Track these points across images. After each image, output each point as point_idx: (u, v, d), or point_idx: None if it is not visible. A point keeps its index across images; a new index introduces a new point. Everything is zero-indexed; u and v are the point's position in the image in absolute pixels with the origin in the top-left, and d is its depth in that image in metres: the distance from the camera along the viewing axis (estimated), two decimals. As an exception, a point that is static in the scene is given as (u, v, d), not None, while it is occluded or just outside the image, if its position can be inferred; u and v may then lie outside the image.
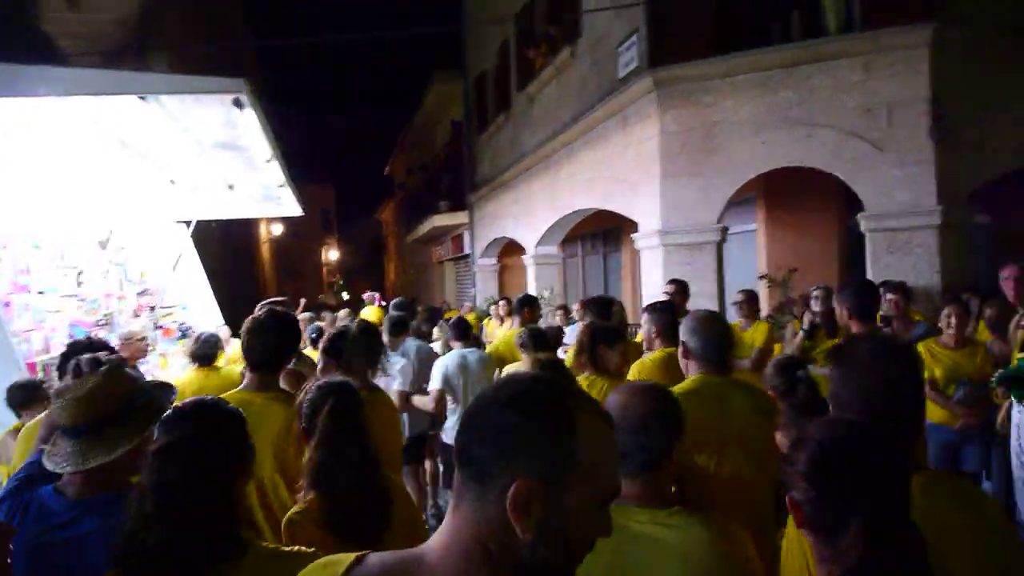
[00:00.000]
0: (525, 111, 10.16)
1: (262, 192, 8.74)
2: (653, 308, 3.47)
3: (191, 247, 10.83)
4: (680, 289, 5.21)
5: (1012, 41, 5.28)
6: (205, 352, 4.39)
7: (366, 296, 10.36)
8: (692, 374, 2.33)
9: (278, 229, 33.64)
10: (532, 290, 10.09)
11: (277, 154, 5.96)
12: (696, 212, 6.06)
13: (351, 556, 0.88)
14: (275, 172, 6.87)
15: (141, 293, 8.18)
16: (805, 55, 5.68)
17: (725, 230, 6.08)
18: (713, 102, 6.00)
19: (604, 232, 11.63)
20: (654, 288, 6.29)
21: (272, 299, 4.05)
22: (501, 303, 8.23)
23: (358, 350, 2.76)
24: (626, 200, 6.88)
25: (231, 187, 7.72)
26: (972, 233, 5.89)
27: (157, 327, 8.12)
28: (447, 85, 14.74)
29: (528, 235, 10.28)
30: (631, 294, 10.36)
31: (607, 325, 3.53)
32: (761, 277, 6.67)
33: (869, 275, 5.60)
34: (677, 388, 2.20)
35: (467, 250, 14.52)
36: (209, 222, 16.94)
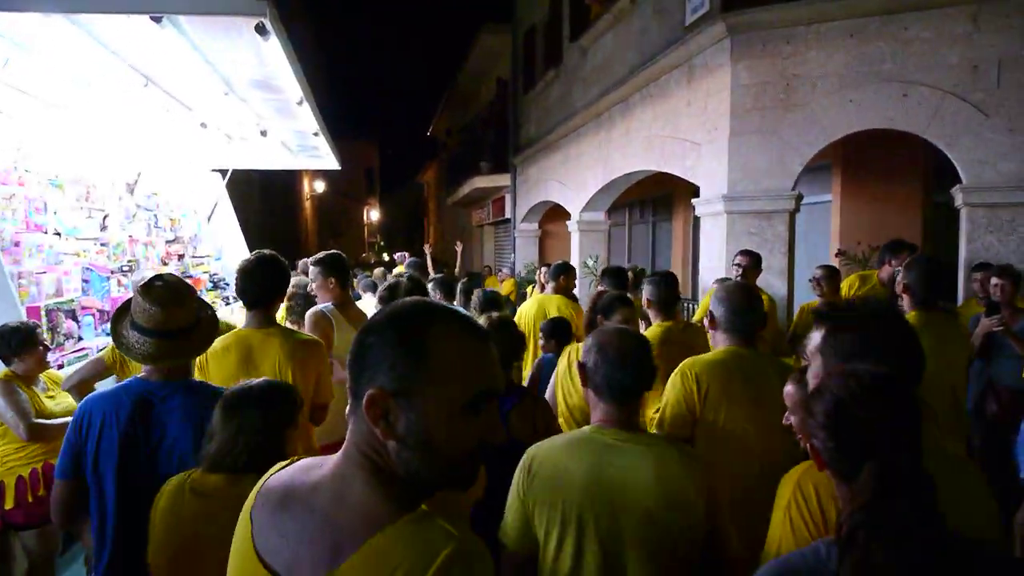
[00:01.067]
0: (578, 65, 9.48)
1: (297, 141, 8.32)
2: (652, 280, 3.36)
3: (226, 197, 10.60)
4: (753, 262, 4.65)
5: None
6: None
7: (397, 256, 10.08)
8: (719, 346, 2.35)
9: (321, 186, 33.60)
10: (576, 258, 9.56)
11: (308, 95, 5.51)
12: (768, 177, 5.41)
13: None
14: (308, 117, 6.45)
15: (171, 241, 7.94)
16: (904, 1, 4.93)
17: (800, 198, 5.43)
18: (794, 52, 5.30)
19: (653, 200, 10.97)
20: (715, 259, 5.70)
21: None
22: (543, 269, 7.73)
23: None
24: (688, 162, 6.24)
25: (264, 133, 7.34)
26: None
27: (186, 276, 7.88)
28: (494, 39, 14.05)
29: (574, 199, 9.69)
30: (682, 265, 9.75)
31: (615, 294, 3.37)
32: (839, 253, 5.99)
33: (962, 255, 4.92)
34: (707, 357, 2.30)
35: (508, 214, 14.00)
36: (249, 174, 16.76)
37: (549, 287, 5.08)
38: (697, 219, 9.78)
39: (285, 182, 23.07)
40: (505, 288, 11.08)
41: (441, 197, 26.20)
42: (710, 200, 5.76)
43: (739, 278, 4.61)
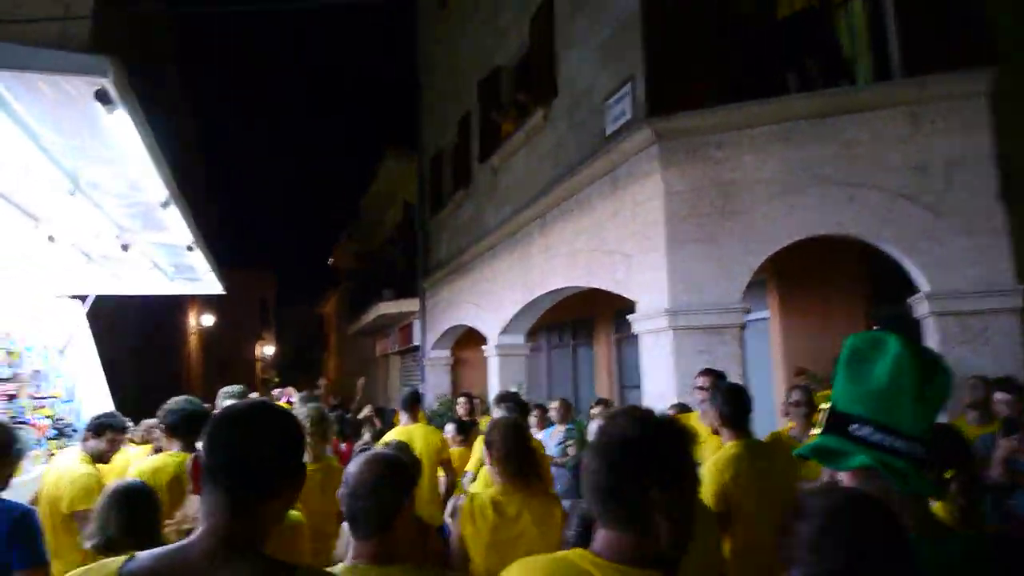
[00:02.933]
0: (489, 185, 9.11)
1: (169, 259, 7.15)
2: (723, 393, 2.96)
3: (86, 328, 9.05)
4: (715, 382, 3.92)
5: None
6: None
7: (275, 392, 9.01)
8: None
9: (209, 319, 31.28)
10: (494, 386, 8.64)
11: (175, 194, 4.55)
12: (713, 289, 4.89)
13: (123, 557, 1.11)
14: (179, 226, 5.43)
15: (5, 380, 6.38)
16: (836, 104, 4.79)
17: (746, 311, 4.92)
18: (727, 157, 5.00)
19: (573, 323, 10.43)
20: (663, 382, 4.98)
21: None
22: (460, 400, 6.75)
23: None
24: (618, 275, 5.69)
25: (125, 248, 6.17)
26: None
27: (16, 422, 6.25)
28: (401, 164, 13.77)
29: (491, 322, 8.95)
30: (608, 391, 9.04)
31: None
32: (799, 372, 5.45)
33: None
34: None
35: (416, 341, 13.03)
36: (122, 302, 14.96)
37: (404, 419, 4.89)
38: (621, 341, 9.29)
39: (166, 313, 21.06)
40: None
41: (342, 328, 24.87)
42: (650, 315, 5.15)
43: (703, 404, 3.87)
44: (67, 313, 8.97)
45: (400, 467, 1.75)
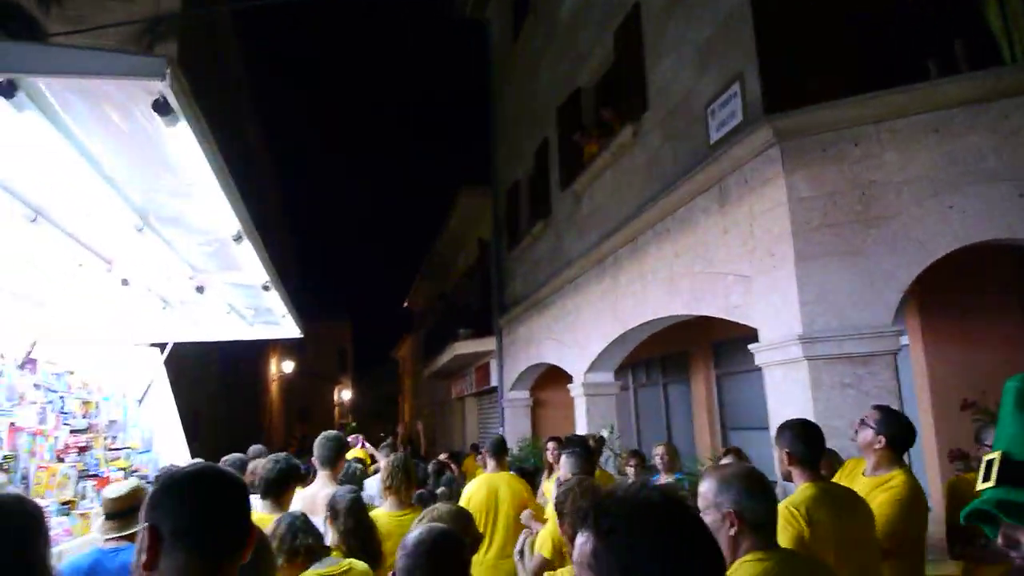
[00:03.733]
0: (571, 213, 8.58)
1: (247, 301, 6.91)
2: (792, 432, 2.65)
3: (164, 377, 8.99)
4: (885, 418, 3.10)
5: None
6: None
7: (351, 439, 8.82)
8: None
9: (289, 366, 31.86)
10: (582, 428, 7.93)
11: (250, 229, 4.22)
12: (857, 309, 4.10)
13: None
14: (252, 262, 5.13)
15: (80, 431, 6.21)
16: (997, 87, 4.01)
17: (900, 335, 4.09)
18: (864, 155, 4.26)
19: (663, 359, 9.62)
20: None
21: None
22: (550, 445, 6.10)
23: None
24: (732, 300, 4.96)
25: (200, 290, 5.94)
26: None
27: (88, 476, 6.04)
28: (475, 201, 13.50)
29: (576, 360, 8.29)
30: (709, 433, 8.16)
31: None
32: (966, 406, 4.52)
33: None
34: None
35: (494, 382, 12.48)
36: (206, 349, 15.16)
37: (491, 465, 4.68)
38: (722, 377, 8.43)
39: (249, 360, 21.41)
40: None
41: (417, 371, 24.65)
42: (777, 344, 4.39)
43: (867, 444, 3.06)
44: (145, 362, 8.89)
45: (456, 547, 1.76)
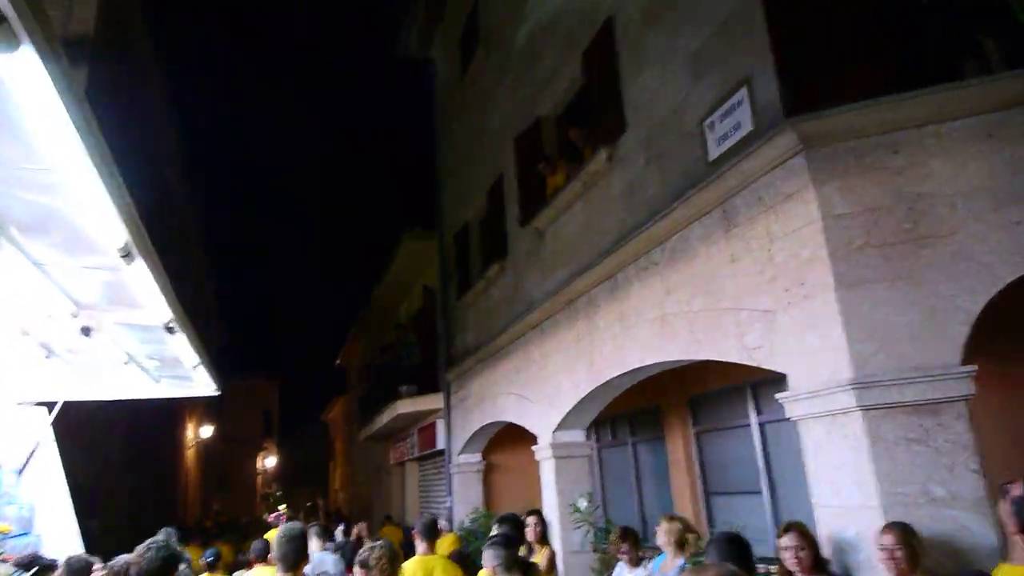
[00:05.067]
0: (532, 251, 7.75)
1: (145, 345, 5.67)
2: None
3: (51, 442, 7.49)
4: None
5: None
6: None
7: (271, 518, 7.43)
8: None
9: (208, 431, 29.18)
10: (550, 496, 6.88)
11: (139, 233, 3.16)
12: (919, 345, 3.35)
13: None
14: (151, 294, 4.02)
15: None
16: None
17: (971, 376, 3.34)
18: (909, 164, 3.61)
19: (630, 415, 8.73)
20: (852, 489, 3.33)
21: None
22: (530, 520, 5.04)
23: None
24: (748, 340, 4.15)
25: (87, 331, 4.76)
26: None
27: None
28: (419, 245, 12.54)
29: (541, 417, 7.30)
30: (691, 500, 7.24)
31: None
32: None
33: None
34: None
35: (440, 444, 11.25)
36: (109, 412, 13.19)
37: (421, 548, 4.42)
38: (702, 435, 7.60)
39: (160, 424, 19.20)
40: (444, 546, 7.96)
41: (351, 434, 22.90)
42: (817, 392, 3.57)
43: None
44: (29, 423, 7.38)
45: None
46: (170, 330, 4.64)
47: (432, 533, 4.53)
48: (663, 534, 4.36)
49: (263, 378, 38.53)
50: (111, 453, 13.87)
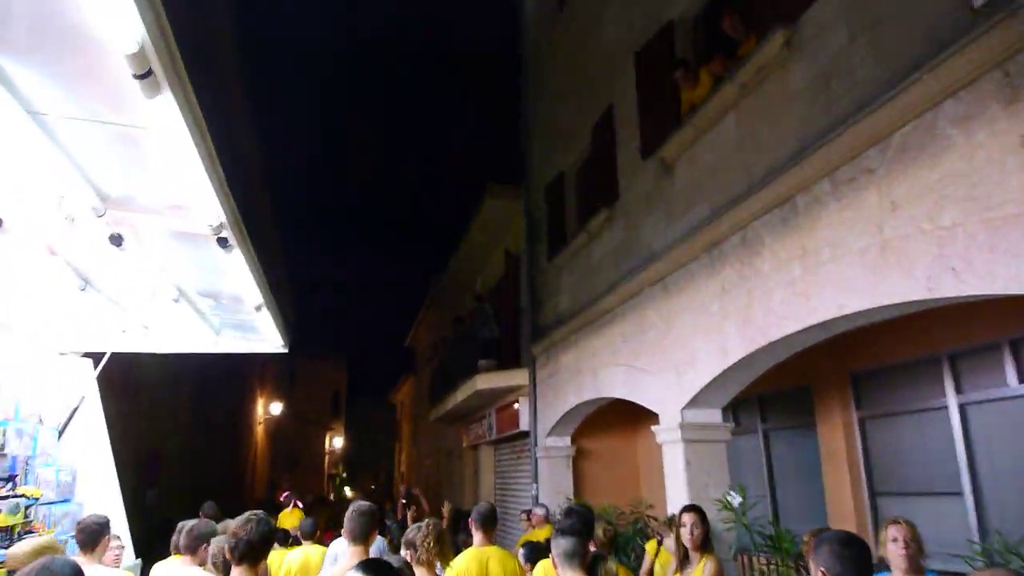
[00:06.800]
0: (653, 193, 6.32)
1: (198, 273, 4.51)
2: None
3: (96, 398, 6.65)
4: None
5: None
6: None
7: (283, 496, 7.14)
8: None
9: (277, 408, 29.06)
10: (680, 489, 5.46)
11: (231, 217, 1.90)
12: None
13: None
14: (239, 267, 2.81)
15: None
16: None
17: None
18: None
19: (760, 397, 7.18)
20: None
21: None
22: (686, 518, 3.66)
23: None
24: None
25: (115, 239, 3.62)
26: None
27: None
28: (500, 205, 11.23)
29: (663, 392, 5.88)
30: (852, 497, 5.70)
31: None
32: None
33: None
34: None
35: (524, 426, 9.96)
36: (178, 379, 12.48)
37: (478, 538, 4.15)
38: (868, 420, 6.01)
39: (230, 399, 18.80)
40: (541, 537, 6.64)
41: (418, 415, 22.01)
42: None
43: None
44: (72, 377, 6.52)
45: None
46: (223, 242, 3.46)
47: (490, 522, 4.27)
48: (895, 542, 2.90)
49: (331, 358, 38.42)
50: (177, 418, 13.29)
